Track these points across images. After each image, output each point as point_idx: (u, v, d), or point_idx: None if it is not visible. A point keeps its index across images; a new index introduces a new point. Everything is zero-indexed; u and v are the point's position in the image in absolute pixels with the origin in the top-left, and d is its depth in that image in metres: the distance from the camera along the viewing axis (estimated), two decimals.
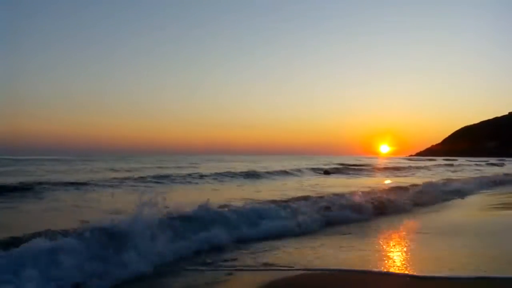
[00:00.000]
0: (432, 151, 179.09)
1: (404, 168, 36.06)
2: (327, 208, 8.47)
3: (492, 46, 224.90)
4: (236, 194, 12.55)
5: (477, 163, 54.00)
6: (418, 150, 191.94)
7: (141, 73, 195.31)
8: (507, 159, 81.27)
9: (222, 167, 29.26)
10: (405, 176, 26.47)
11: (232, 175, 21.07)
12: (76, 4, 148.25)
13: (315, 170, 28.75)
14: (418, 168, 36.85)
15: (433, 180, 18.03)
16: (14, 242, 4.74)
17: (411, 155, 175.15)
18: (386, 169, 35.55)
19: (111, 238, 4.80)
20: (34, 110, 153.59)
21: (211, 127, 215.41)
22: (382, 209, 9.29)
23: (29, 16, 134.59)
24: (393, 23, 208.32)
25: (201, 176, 19.55)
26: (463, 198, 12.67)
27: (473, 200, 12.65)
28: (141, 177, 17.57)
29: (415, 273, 4.34)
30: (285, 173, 24.59)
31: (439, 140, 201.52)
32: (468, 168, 39.95)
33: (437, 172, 31.95)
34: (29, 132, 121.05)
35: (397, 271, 4.50)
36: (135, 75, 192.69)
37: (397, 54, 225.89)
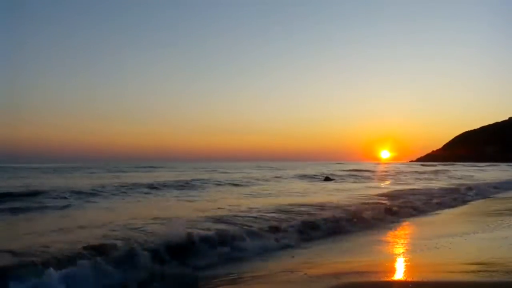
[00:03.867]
0: (432, 157, 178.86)
1: None
2: None
3: (493, 51, 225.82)
4: None
5: None
6: (418, 156, 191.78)
7: (140, 78, 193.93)
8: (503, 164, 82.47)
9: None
10: None
11: None
12: (76, 7, 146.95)
13: None
14: None
15: None
16: None
17: (411, 161, 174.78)
18: None
19: None
20: (32, 116, 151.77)
21: (205, 133, 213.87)
22: None
23: (30, 22, 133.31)
24: (393, 27, 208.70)
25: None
26: None
27: None
28: None
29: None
30: None
31: (440, 146, 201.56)
32: None
33: None
34: (27, 139, 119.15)
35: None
36: (135, 79, 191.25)
37: (397, 59, 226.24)
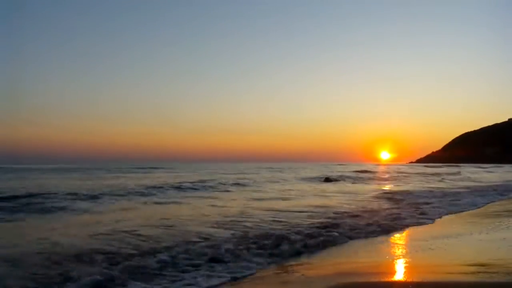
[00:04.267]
0: (432, 158, 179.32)
1: None
2: None
3: (492, 52, 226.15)
4: None
5: None
6: (418, 157, 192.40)
7: (138, 79, 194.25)
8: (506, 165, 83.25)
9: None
10: None
11: None
12: (76, 8, 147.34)
13: None
14: None
15: None
16: None
17: (411, 162, 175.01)
18: None
19: None
20: (33, 117, 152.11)
21: (205, 134, 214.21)
22: None
23: (30, 23, 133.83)
24: (393, 29, 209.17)
25: None
26: None
27: None
28: None
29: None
30: None
31: (440, 147, 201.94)
32: None
33: None
34: (28, 140, 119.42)
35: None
36: (133, 81, 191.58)
37: (397, 61, 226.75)
